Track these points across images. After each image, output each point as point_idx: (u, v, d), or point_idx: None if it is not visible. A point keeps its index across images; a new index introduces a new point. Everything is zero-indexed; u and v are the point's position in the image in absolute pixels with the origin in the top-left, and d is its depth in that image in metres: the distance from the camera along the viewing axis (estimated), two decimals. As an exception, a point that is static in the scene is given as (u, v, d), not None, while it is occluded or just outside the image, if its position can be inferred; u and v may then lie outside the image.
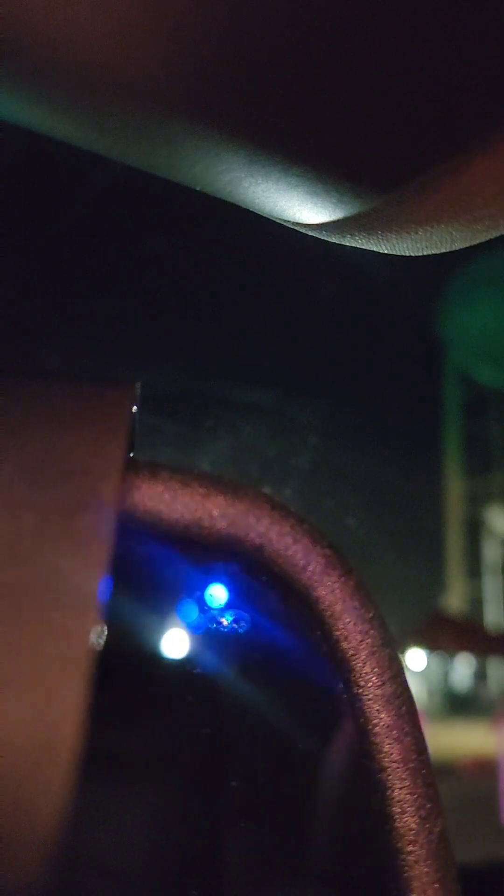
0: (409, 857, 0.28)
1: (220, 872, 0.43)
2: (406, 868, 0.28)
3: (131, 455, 0.28)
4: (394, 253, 0.36)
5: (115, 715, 0.39)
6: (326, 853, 0.41)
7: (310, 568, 0.29)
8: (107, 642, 0.23)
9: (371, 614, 0.29)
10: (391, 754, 0.29)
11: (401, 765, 0.29)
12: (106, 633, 0.22)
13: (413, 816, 0.28)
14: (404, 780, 0.29)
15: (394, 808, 0.28)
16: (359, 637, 0.29)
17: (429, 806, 0.29)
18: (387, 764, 0.29)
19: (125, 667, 0.44)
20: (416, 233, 0.33)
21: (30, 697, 0.19)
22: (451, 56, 0.25)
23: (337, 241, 0.36)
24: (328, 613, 0.29)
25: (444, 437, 16.21)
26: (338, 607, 0.29)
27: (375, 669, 0.29)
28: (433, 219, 0.32)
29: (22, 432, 0.24)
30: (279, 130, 0.29)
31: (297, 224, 0.36)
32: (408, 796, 0.28)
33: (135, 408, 0.27)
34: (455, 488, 16.15)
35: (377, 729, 0.29)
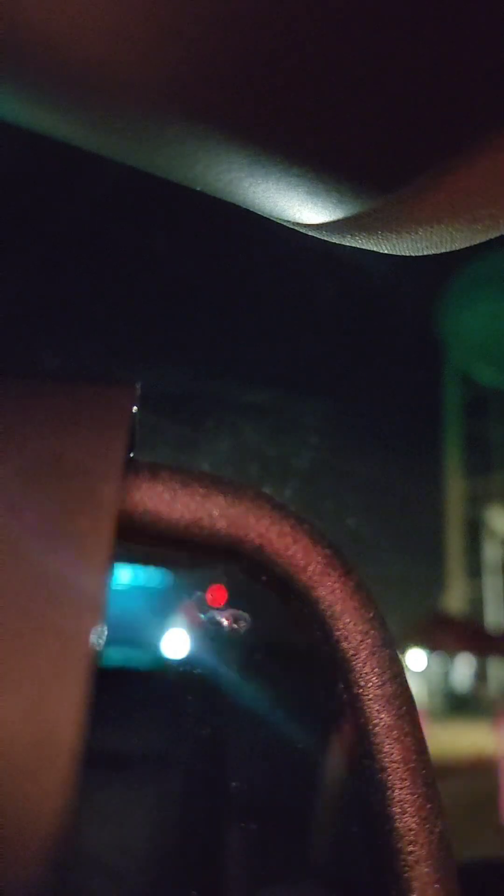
0: (410, 858, 0.28)
1: (220, 872, 0.43)
2: (406, 868, 0.28)
3: (131, 455, 0.28)
4: (394, 253, 0.36)
5: (115, 715, 0.39)
6: (326, 853, 0.41)
7: (310, 568, 0.29)
8: (107, 642, 0.23)
9: (371, 614, 0.29)
10: (391, 754, 0.29)
11: (401, 765, 0.29)
12: (106, 633, 0.22)
13: (413, 816, 0.28)
14: (404, 780, 0.29)
15: (394, 809, 0.28)
16: (359, 637, 0.29)
17: (429, 806, 0.29)
18: (387, 764, 0.29)
19: (125, 667, 0.44)
20: (416, 233, 0.33)
21: (30, 697, 0.19)
22: (450, 56, 0.25)
23: (337, 241, 0.36)
24: (328, 613, 0.29)
25: (444, 437, 16.22)
26: (338, 607, 0.29)
27: (375, 669, 0.29)
28: (433, 219, 0.32)
29: (22, 432, 0.24)
30: (279, 130, 0.29)
31: (297, 224, 0.36)
32: (408, 796, 0.28)
33: (135, 408, 0.27)
34: (455, 488, 16.15)
35: (377, 729, 0.29)
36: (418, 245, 0.35)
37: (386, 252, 0.36)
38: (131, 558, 0.29)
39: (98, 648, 0.20)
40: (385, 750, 0.29)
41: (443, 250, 0.35)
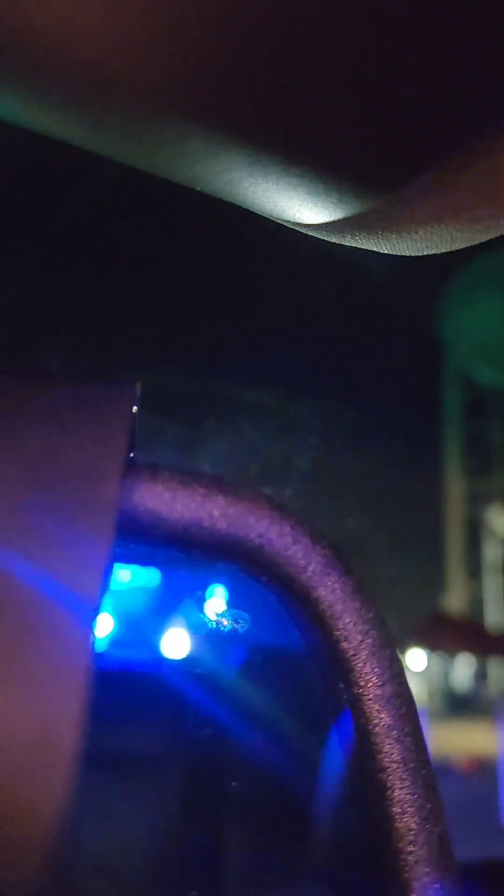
0: (410, 858, 0.28)
1: (220, 872, 0.43)
2: (406, 868, 0.28)
3: (131, 456, 0.28)
4: (394, 253, 0.36)
5: (115, 715, 0.39)
6: (326, 853, 0.41)
7: (310, 568, 0.29)
8: (107, 642, 0.23)
9: (371, 614, 0.29)
10: (391, 754, 0.29)
11: (401, 765, 0.29)
12: (106, 633, 0.22)
13: (413, 817, 0.28)
14: (404, 780, 0.29)
15: (394, 809, 0.28)
16: (359, 637, 0.29)
17: (429, 806, 0.29)
18: (387, 764, 0.29)
19: (125, 667, 0.44)
20: (416, 233, 0.33)
21: (30, 698, 0.19)
22: (450, 56, 0.25)
23: (337, 241, 0.36)
24: (328, 613, 0.29)
25: (444, 437, 16.21)
26: (338, 607, 0.29)
27: (375, 669, 0.29)
28: (433, 219, 0.32)
29: (22, 432, 0.24)
30: (279, 130, 0.29)
31: (297, 224, 0.36)
32: (408, 796, 0.28)
33: (135, 408, 0.27)
34: (455, 488, 16.14)
35: (377, 729, 0.29)
36: (418, 245, 0.35)
37: (386, 252, 0.36)
38: (131, 558, 0.29)
39: (98, 648, 0.20)
40: (385, 750, 0.29)
41: (443, 250, 0.35)
